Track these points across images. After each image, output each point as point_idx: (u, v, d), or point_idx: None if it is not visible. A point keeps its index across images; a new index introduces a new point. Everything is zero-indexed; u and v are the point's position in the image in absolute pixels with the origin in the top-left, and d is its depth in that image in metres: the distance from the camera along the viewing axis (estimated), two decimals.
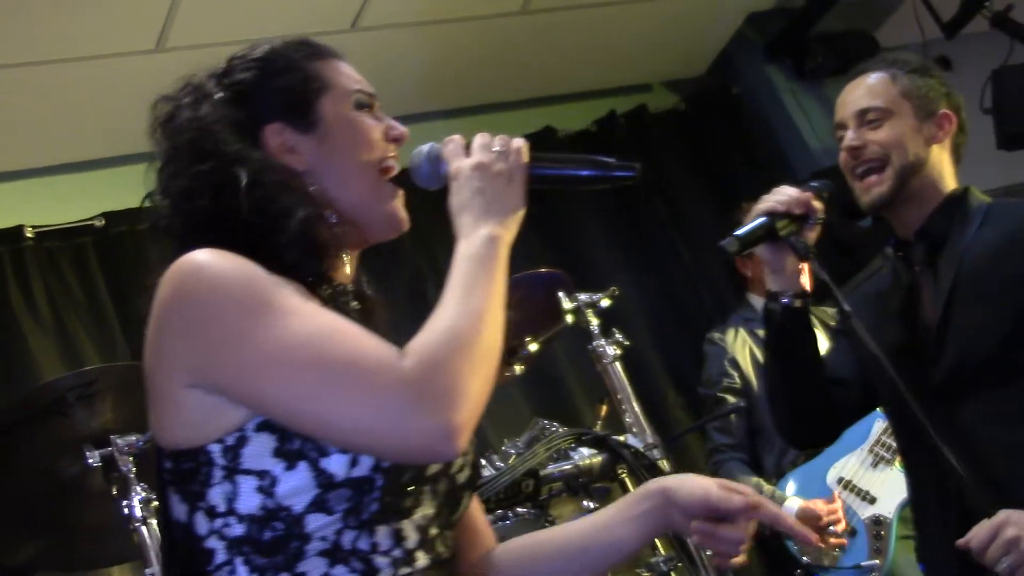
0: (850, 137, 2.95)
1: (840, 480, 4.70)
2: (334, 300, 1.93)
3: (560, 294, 3.82)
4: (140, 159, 5.54)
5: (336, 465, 1.68)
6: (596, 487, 3.81)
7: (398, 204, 2.02)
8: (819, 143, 6.29)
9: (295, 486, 1.69)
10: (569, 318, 3.80)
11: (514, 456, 3.68)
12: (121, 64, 5.03)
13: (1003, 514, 2.47)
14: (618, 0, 5.98)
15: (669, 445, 4.09)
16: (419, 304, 5.68)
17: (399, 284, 5.76)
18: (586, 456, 3.74)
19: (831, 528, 4.58)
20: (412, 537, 1.79)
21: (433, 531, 1.83)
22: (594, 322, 3.85)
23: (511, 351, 4.22)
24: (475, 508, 2.09)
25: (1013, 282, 2.79)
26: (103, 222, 5.34)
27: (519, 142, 1.94)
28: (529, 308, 4.25)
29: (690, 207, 6.47)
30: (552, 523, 3.77)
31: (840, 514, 4.61)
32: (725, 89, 6.63)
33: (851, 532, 4.60)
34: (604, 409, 4.33)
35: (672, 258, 6.35)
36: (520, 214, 1.89)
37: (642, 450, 3.65)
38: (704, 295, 6.28)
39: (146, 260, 5.24)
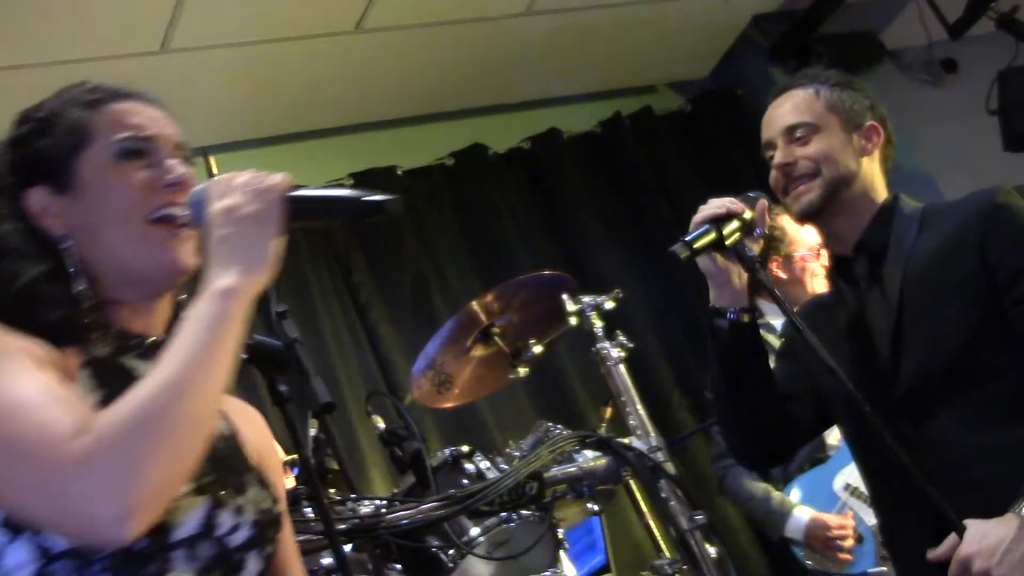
0: (780, 155, 2.92)
1: (847, 487, 4.68)
2: (117, 355, 1.84)
3: (564, 296, 3.82)
4: None
5: (54, 536, 1.61)
6: (600, 490, 3.81)
7: (173, 250, 1.87)
8: None
9: (20, 559, 1.62)
10: (573, 320, 3.80)
11: (518, 458, 3.68)
12: (124, 65, 5.03)
13: (971, 538, 2.49)
14: (623, 2, 5.98)
15: (674, 448, 4.09)
16: (422, 309, 5.70)
17: (402, 288, 5.78)
18: (590, 459, 3.75)
19: (838, 543, 4.57)
20: None
21: None
22: (598, 324, 3.85)
23: (515, 353, 4.23)
24: (284, 559, 1.98)
25: (963, 283, 2.75)
26: None
27: (275, 179, 1.83)
28: (533, 310, 4.26)
29: (695, 209, 6.45)
30: (556, 526, 3.78)
31: (849, 530, 4.59)
32: (730, 91, 6.63)
33: (858, 539, 4.59)
34: (608, 411, 4.33)
35: (676, 260, 6.34)
36: (273, 258, 1.79)
37: (646, 453, 3.65)
38: (709, 297, 6.27)
39: None
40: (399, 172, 6.04)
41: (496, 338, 4.27)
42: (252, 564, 1.76)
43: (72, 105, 1.90)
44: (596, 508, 3.86)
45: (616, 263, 6.07)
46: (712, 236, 2.79)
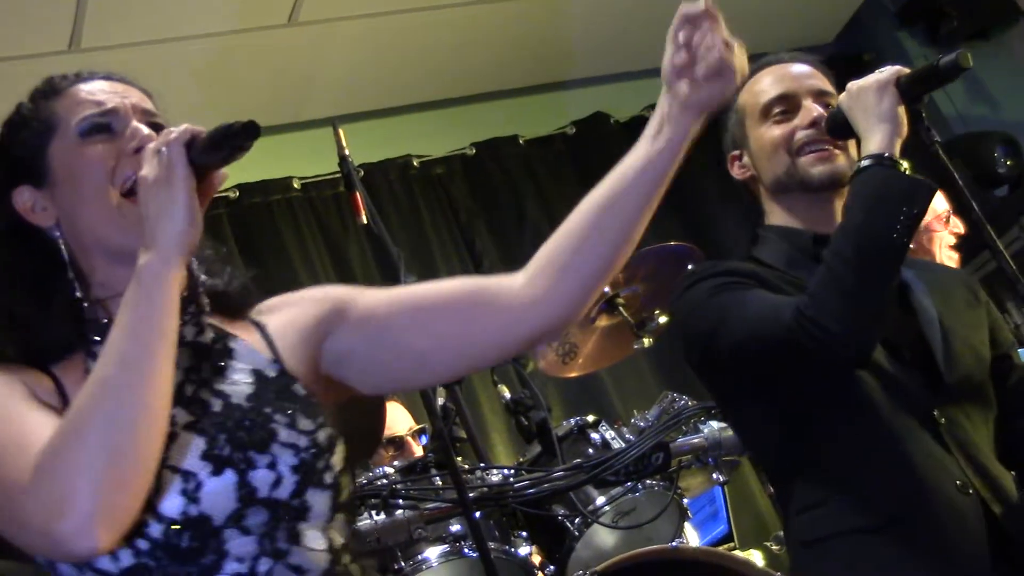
0: (816, 111, 2.52)
1: None
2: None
3: (690, 267, 3.81)
4: (267, 132, 5.69)
5: (105, 560, 1.59)
6: (725, 460, 3.82)
7: None
8: (953, 110, 6.14)
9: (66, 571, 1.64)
10: None
11: (643, 429, 3.70)
12: (252, 39, 5.11)
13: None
14: None
15: None
16: None
17: (524, 257, 5.79)
18: (715, 429, 3.76)
19: None
20: None
21: (264, 566, 1.63)
22: None
23: (640, 324, 4.24)
24: (417, 293, 1.91)
25: (969, 302, 2.55)
26: (237, 194, 5.46)
27: (174, 133, 1.70)
28: (658, 281, 4.26)
29: None
30: (681, 496, 3.79)
31: None
32: (858, 57, 6.53)
33: None
34: None
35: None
36: (192, 229, 1.65)
37: None
38: None
39: (279, 234, 5.38)
40: (521, 141, 6.06)
41: (621, 308, 4.28)
42: (316, 499, 1.65)
43: (38, 99, 1.86)
44: (720, 478, 3.87)
45: (736, 232, 6.03)
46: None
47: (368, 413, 3.66)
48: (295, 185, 5.56)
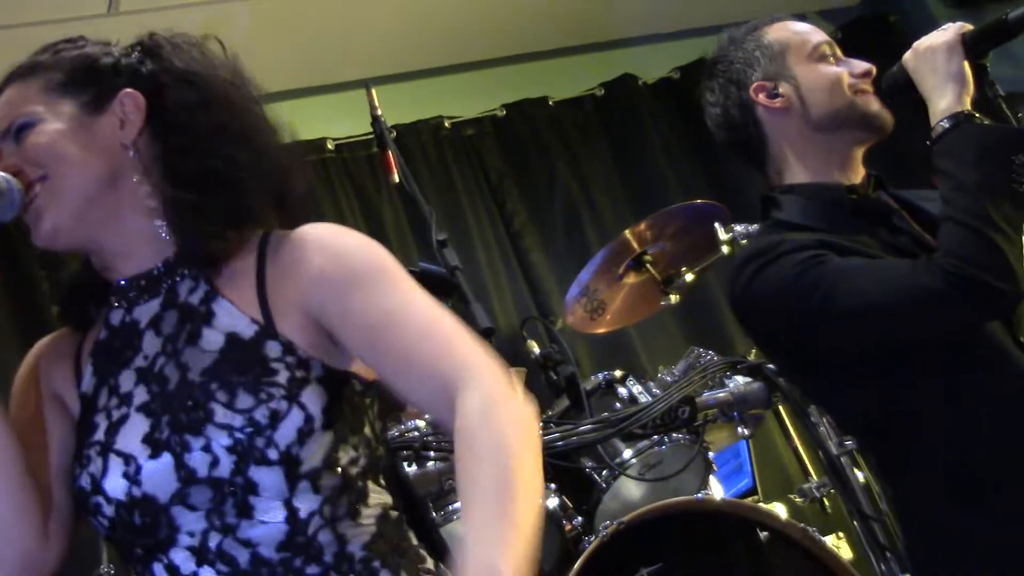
0: (867, 63, 2.49)
1: None
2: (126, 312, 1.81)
3: (716, 225, 3.81)
4: (301, 94, 5.63)
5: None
6: (751, 414, 3.82)
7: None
8: None
9: None
10: (725, 249, 3.79)
11: (670, 383, 3.71)
12: (274, 4, 5.10)
13: None
14: None
15: None
16: (573, 237, 5.73)
17: (554, 217, 5.80)
18: (741, 384, 3.75)
19: None
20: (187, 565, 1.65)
21: (214, 540, 1.64)
22: None
23: (667, 280, 4.25)
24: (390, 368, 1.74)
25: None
26: None
27: None
28: (685, 239, 4.27)
29: None
30: (707, 449, 3.80)
31: None
32: (883, 17, 6.48)
33: None
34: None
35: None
36: None
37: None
38: None
39: (313, 193, 5.37)
40: (550, 103, 6.04)
41: (648, 266, 4.28)
42: (263, 475, 1.61)
43: None
44: (745, 432, 3.87)
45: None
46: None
47: None
48: (329, 146, 5.57)
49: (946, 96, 2.23)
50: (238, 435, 1.60)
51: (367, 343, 1.68)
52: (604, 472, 3.68)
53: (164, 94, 1.80)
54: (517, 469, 1.51)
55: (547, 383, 3.91)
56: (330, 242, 1.75)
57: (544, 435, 3.50)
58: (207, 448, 1.60)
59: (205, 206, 1.73)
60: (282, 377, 1.64)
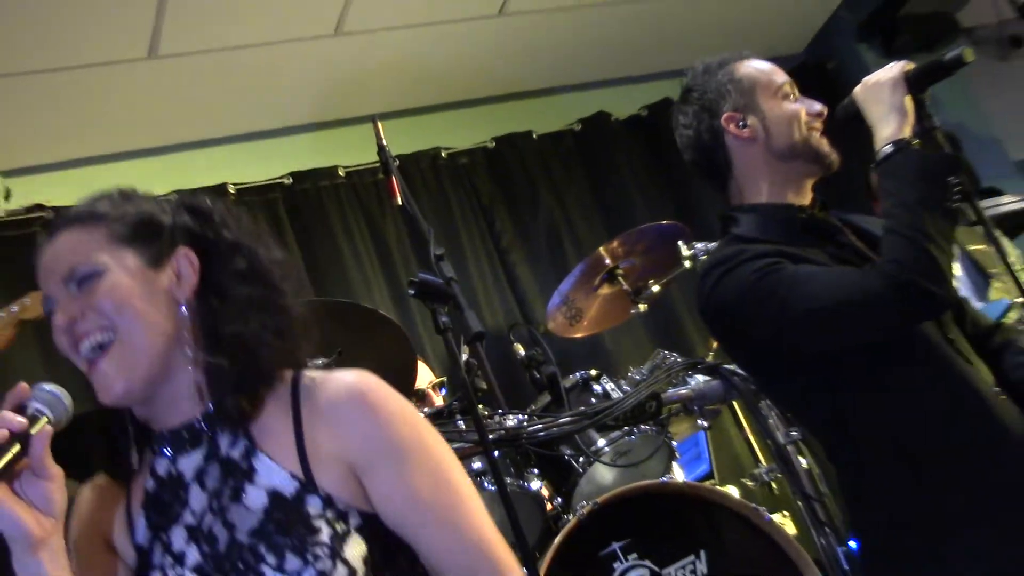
0: (819, 104, 2.49)
1: None
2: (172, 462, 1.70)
3: (680, 243, 3.80)
4: (317, 127, 5.67)
5: None
6: (709, 408, 3.82)
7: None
8: None
9: None
10: (687, 264, 3.78)
11: (639, 381, 3.69)
12: (301, 48, 5.08)
13: None
14: None
15: None
16: (554, 253, 5.72)
17: (537, 235, 5.79)
18: (700, 382, 3.76)
19: None
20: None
21: None
22: None
23: (636, 291, 4.24)
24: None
25: None
26: (290, 180, 5.43)
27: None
28: (652, 255, 4.26)
29: None
30: (670, 439, 3.78)
31: None
32: (821, 65, 6.49)
33: None
34: (716, 343, 4.32)
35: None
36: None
37: (748, 377, 3.63)
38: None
39: (326, 216, 5.38)
40: (535, 136, 6.02)
41: (620, 278, 4.27)
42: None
43: None
44: (704, 424, 3.86)
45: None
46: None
47: (401, 372, 3.66)
48: (340, 173, 5.53)
49: (890, 125, 2.23)
50: None
51: (401, 516, 1.60)
52: (581, 459, 3.65)
53: (213, 259, 1.69)
54: None
55: (531, 381, 3.89)
56: (374, 405, 1.63)
57: (528, 426, 3.48)
58: None
59: (236, 371, 1.62)
60: (325, 535, 1.55)
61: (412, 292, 2.78)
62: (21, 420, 1.51)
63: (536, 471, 3.63)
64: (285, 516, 1.56)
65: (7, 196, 4.93)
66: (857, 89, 2.34)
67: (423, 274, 2.83)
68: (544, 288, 5.50)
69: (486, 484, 3.40)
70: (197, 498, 1.63)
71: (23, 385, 1.56)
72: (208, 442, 1.64)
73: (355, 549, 1.56)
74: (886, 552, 2.22)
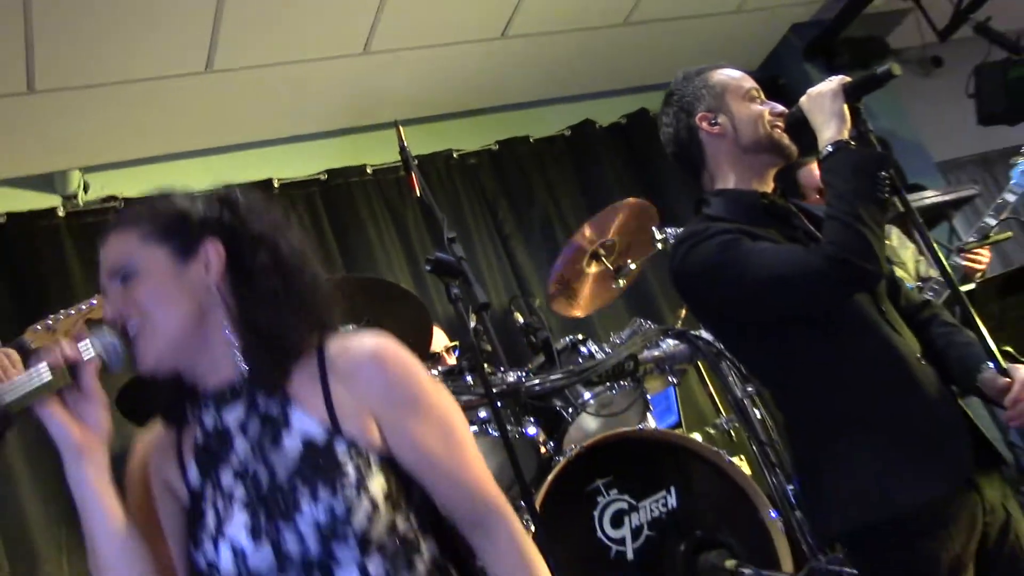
0: (780, 106, 2.44)
1: None
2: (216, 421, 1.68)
3: (654, 228, 3.79)
4: (348, 132, 5.63)
5: None
6: (678, 368, 3.81)
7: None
8: None
9: None
10: (659, 245, 3.77)
11: (619, 344, 3.68)
12: (331, 66, 5.05)
13: None
14: (687, 16, 5.83)
15: None
16: (547, 239, 5.69)
17: (533, 224, 5.77)
18: (671, 345, 3.75)
19: None
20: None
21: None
22: None
23: (618, 269, 4.22)
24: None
25: None
26: (326, 176, 5.41)
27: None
28: (627, 233, 4.24)
29: None
30: (645, 393, 3.77)
31: None
32: (774, 79, 6.46)
33: None
34: (683, 312, 4.31)
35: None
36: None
37: (712, 341, 3.62)
38: None
39: (356, 206, 5.34)
40: (531, 140, 5.98)
41: (603, 258, 4.26)
42: (342, 551, 1.55)
43: None
44: (674, 381, 3.85)
45: (680, 192, 5.91)
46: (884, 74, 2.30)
47: (419, 337, 3.65)
48: (368, 171, 5.50)
49: (831, 128, 2.22)
50: (322, 524, 1.53)
51: (414, 461, 1.61)
52: (570, 409, 3.65)
53: (242, 248, 1.66)
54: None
55: (528, 344, 3.89)
56: (392, 365, 1.63)
57: (526, 382, 3.48)
58: (298, 535, 1.53)
59: (268, 348, 1.62)
60: (351, 472, 1.55)
61: (429, 268, 2.76)
62: (75, 349, 1.58)
63: (532, 420, 3.62)
64: (317, 457, 1.57)
65: (85, 189, 4.92)
66: (802, 99, 2.32)
67: (438, 253, 2.82)
68: (539, 267, 5.49)
69: (490, 430, 3.39)
70: (241, 445, 1.63)
71: (83, 330, 1.62)
72: (247, 397, 1.64)
73: (376, 484, 1.56)
74: (814, 485, 2.22)
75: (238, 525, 1.57)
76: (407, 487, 1.62)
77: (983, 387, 2.21)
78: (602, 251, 4.24)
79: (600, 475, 3.30)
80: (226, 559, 1.55)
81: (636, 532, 3.28)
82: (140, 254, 1.63)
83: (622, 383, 3.65)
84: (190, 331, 1.61)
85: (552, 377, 3.47)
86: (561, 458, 3.31)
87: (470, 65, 5.49)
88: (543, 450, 3.59)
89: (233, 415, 1.64)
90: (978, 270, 3.82)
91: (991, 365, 2.17)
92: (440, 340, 4.32)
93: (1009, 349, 2.26)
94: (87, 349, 1.59)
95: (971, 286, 3.68)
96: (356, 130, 5.54)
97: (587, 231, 4.22)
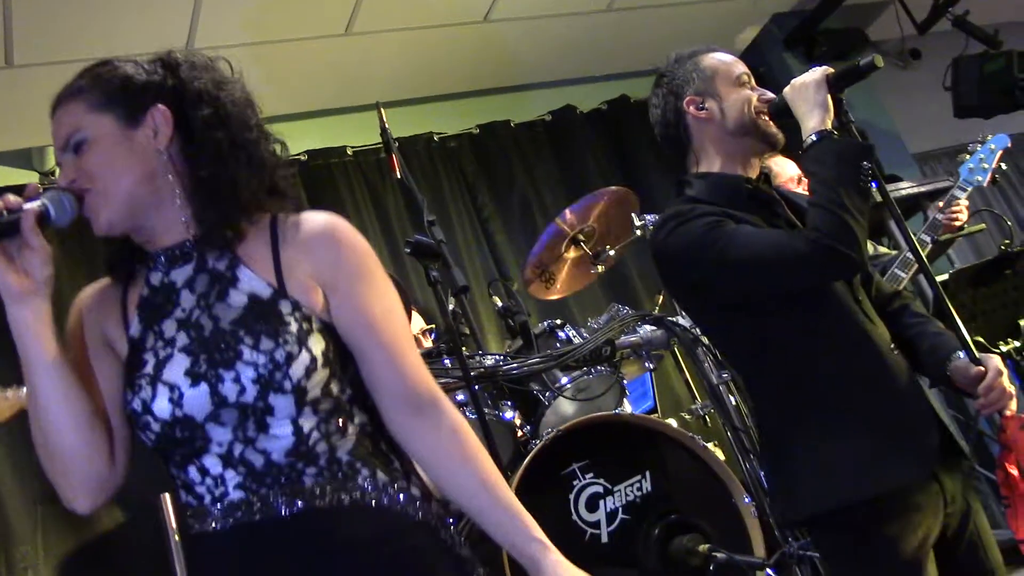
0: (769, 93, 2.41)
1: None
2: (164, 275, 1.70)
3: (633, 215, 3.79)
4: (329, 113, 5.58)
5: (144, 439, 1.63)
6: (654, 353, 3.82)
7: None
8: None
9: None
10: (639, 232, 3.77)
11: (596, 329, 3.69)
12: (314, 45, 5.03)
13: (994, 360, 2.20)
14: (671, 3, 5.83)
15: None
16: (526, 223, 5.69)
17: (512, 208, 5.77)
18: (648, 331, 3.75)
19: None
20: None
21: (237, 448, 1.58)
22: None
23: (596, 255, 4.21)
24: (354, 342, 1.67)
25: None
26: (306, 157, 5.38)
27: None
28: (606, 219, 4.24)
29: None
30: (622, 379, 3.78)
31: None
32: (755, 70, 6.44)
33: None
34: (660, 299, 4.32)
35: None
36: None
37: (688, 328, 3.63)
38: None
39: (336, 187, 5.32)
40: (512, 124, 5.98)
41: (582, 243, 4.25)
42: (278, 401, 1.56)
43: None
44: (650, 366, 3.86)
45: (659, 180, 5.92)
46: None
47: None
48: (348, 152, 5.49)
49: (814, 118, 2.21)
50: (261, 370, 1.54)
51: (354, 326, 1.64)
52: (547, 393, 3.65)
53: (186, 109, 1.67)
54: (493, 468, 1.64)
55: (506, 328, 3.89)
56: (343, 239, 1.67)
57: (503, 365, 3.48)
58: (236, 380, 1.54)
59: (217, 204, 1.64)
60: (293, 327, 1.58)
61: (408, 251, 2.76)
62: (17, 199, 1.60)
63: (509, 403, 3.62)
64: (261, 311, 1.60)
65: None
66: (786, 89, 2.31)
67: (418, 236, 2.81)
68: (517, 251, 5.49)
69: (468, 413, 3.38)
70: (187, 299, 1.65)
71: (35, 184, 1.65)
72: (197, 258, 1.67)
73: (317, 344, 1.59)
74: (781, 469, 2.24)
75: (177, 368, 1.58)
76: (343, 361, 1.64)
77: (953, 376, 2.21)
78: (582, 237, 4.24)
79: (576, 459, 3.31)
80: (162, 399, 1.57)
81: (611, 516, 3.29)
82: (88, 123, 1.65)
83: (599, 368, 3.66)
84: (142, 195, 1.64)
85: (530, 361, 3.47)
86: (538, 442, 3.32)
87: (452, 48, 5.47)
88: (520, 433, 3.60)
89: (182, 273, 1.67)
90: (955, 226, 3.86)
91: (962, 355, 2.19)
92: (417, 323, 4.32)
93: (980, 339, 2.28)
94: (34, 200, 1.61)
95: (944, 277, 3.70)
96: (337, 111, 5.51)
97: (568, 216, 4.22)
